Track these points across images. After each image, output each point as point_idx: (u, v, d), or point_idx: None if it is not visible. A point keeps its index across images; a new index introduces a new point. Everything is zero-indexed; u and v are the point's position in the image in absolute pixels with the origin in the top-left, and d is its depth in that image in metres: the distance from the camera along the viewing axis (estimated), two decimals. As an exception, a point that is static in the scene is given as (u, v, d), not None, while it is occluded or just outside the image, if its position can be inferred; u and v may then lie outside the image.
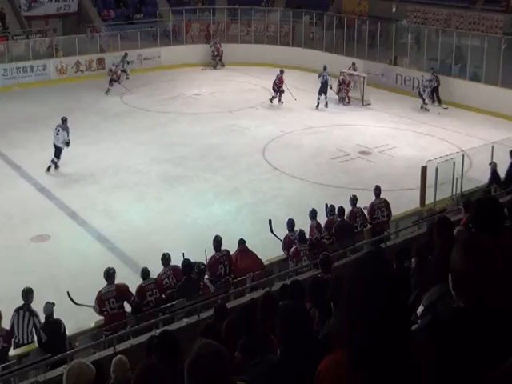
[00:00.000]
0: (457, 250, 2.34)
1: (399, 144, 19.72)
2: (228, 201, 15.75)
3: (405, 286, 5.74)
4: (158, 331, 7.12)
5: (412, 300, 4.57)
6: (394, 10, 30.20)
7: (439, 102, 23.75)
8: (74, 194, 16.00)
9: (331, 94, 23.92)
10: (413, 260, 5.91)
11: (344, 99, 24.08)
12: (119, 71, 25.95)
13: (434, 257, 4.13)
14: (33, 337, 8.85)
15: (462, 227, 7.47)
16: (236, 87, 26.71)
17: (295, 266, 10.32)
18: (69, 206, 15.36)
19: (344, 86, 24.13)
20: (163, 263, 9.92)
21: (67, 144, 17.30)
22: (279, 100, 23.80)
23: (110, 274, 9.35)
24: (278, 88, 23.71)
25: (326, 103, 23.57)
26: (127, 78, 27.08)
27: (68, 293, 9.74)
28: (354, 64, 25.52)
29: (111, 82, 25.53)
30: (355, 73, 24.95)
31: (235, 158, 18.53)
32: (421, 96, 23.31)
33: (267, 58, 29.15)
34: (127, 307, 9.40)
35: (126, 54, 27.48)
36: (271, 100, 23.98)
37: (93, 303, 9.35)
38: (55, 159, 17.41)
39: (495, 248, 2.29)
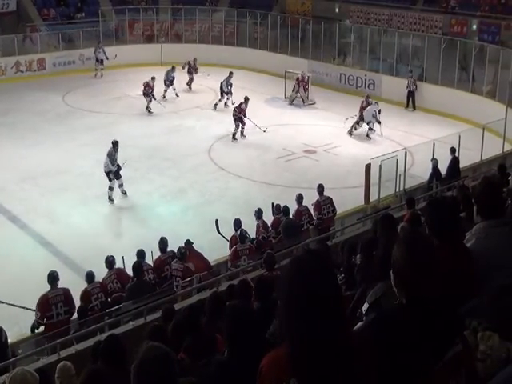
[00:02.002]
0: (398, 247, 2.36)
1: (343, 142, 19.95)
2: (174, 202, 15.63)
3: (350, 284, 5.81)
4: (104, 335, 7.00)
5: (357, 297, 4.62)
6: (337, 10, 30.60)
7: (414, 107, 23.43)
8: (14, 197, 15.54)
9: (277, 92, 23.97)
10: (358, 257, 5.98)
11: (305, 99, 24.05)
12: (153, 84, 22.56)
13: (378, 254, 4.18)
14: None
15: (406, 223, 7.63)
16: (181, 87, 26.48)
17: (232, 267, 10.36)
18: (9, 210, 14.94)
19: (302, 83, 24.11)
20: (107, 266, 9.79)
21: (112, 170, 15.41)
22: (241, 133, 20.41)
23: (54, 277, 9.08)
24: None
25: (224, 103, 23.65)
26: (177, 96, 24.87)
27: None
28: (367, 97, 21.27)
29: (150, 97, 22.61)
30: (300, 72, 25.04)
31: (181, 158, 18.40)
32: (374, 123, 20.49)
33: (212, 57, 29.04)
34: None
35: (173, 67, 24.76)
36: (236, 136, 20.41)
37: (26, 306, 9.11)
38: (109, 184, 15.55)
39: (434, 244, 2.33)
